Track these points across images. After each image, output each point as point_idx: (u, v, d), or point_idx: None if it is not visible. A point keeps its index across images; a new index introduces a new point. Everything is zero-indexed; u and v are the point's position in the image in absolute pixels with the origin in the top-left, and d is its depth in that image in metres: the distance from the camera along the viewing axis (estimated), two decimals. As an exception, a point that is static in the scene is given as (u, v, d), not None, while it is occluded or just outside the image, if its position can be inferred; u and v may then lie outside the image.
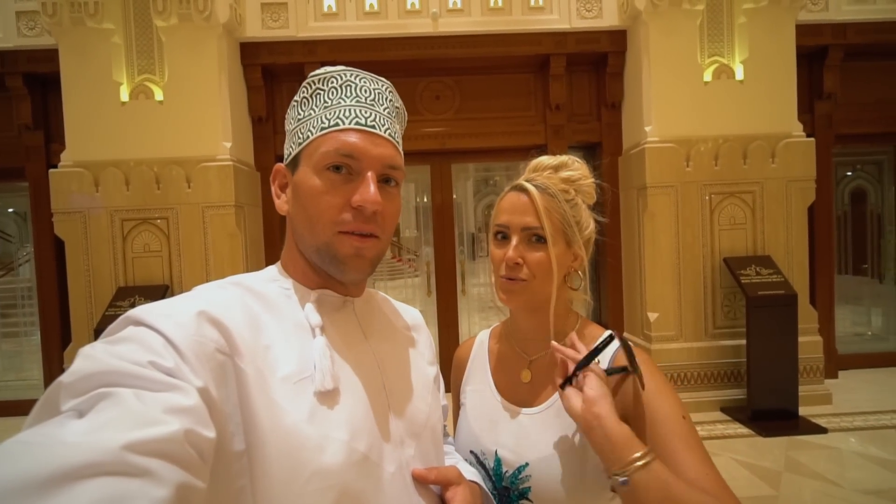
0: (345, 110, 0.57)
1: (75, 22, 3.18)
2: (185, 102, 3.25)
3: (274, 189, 0.62)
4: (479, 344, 0.89)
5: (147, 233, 3.25)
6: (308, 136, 0.57)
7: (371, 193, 0.54)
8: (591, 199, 0.80)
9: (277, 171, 0.62)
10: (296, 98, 0.62)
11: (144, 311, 0.46)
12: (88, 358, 0.39)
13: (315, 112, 0.58)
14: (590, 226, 0.77)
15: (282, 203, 0.61)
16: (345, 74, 0.60)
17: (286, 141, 0.62)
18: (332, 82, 0.59)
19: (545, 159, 0.80)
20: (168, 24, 3.22)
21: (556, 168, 0.79)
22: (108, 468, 0.31)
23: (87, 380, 0.37)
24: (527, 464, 0.71)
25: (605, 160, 3.77)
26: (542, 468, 0.70)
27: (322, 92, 0.59)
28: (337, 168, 0.55)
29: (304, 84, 0.61)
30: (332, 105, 0.58)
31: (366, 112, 0.58)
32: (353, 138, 0.56)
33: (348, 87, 0.59)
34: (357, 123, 0.57)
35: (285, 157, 0.62)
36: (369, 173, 0.56)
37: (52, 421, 0.35)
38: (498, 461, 0.74)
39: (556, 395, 0.73)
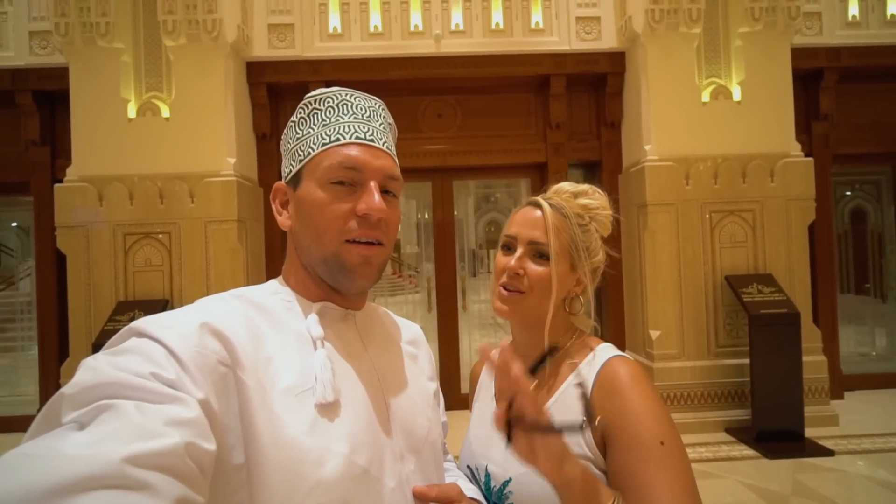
0: (344, 126, 0.59)
1: (87, 41, 3.25)
2: (191, 119, 3.30)
3: (275, 207, 0.64)
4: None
5: (149, 247, 3.26)
6: (309, 153, 0.59)
7: (376, 201, 0.56)
8: (606, 231, 0.80)
9: (277, 189, 0.64)
10: (293, 119, 0.63)
11: (147, 322, 0.46)
12: (90, 369, 0.39)
13: (314, 130, 0.60)
14: (599, 254, 0.78)
15: (284, 219, 0.62)
16: (340, 94, 0.62)
17: (284, 160, 0.64)
18: (329, 102, 0.61)
19: (566, 185, 0.82)
20: (177, 44, 3.29)
21: (576, 194, 0.80)
22: (108, 481, 0.31)
23: (88, 391, 0.37)
24: (510, 479, 0.71)
25: (604, 177, 3.81)
26: (523, 483, 0.70)
27: (319, 112, 0.61)
28: (340, 182, 0.57)
29: (300, 105, 0.63)
30: (330, 123, 0.60)
31: (364, 127, 0.60)
32: (354, 151, 0.58)
33: (345, 106, 0.61)
34: (357, 138, 0.59)
35: (284, 175, 0.63)
36: (372, 183, 0.58)
37: (54, 433, 0.35)
38: (487, 476, 0.75)
39: (545, 406, 0.72)
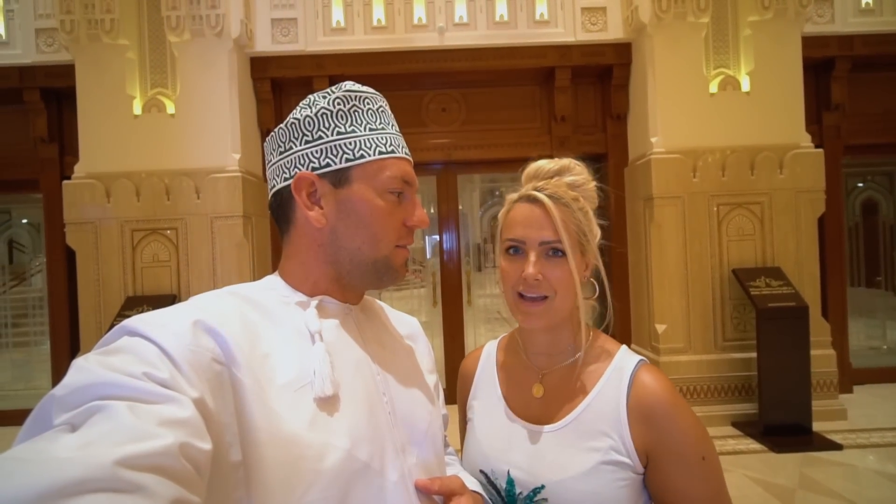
0: (392, 138, 0.63)
1: (92, 38, 3.26)
2: (196, 115, 3.31)
3: (302, 199, 0.58)
4: (487, 356, 0.86)
5: (156, 243, 3.29)
6: (363, 156, 0.59)
7: (425, 216, 0.65)
8: (595, 203, 0.77)
9: (303, 180, 0.58)
10: (328, 107, 0.59)
11: (139, 320, 0.45)
12: (81, 370, 0.39)
13: (360, 131, 0.60)
14: (598, 232, 0.75)
15: (318, 216, 0.58)
16: (377, 100, 0.64)
17: (312, 147, 0.59)
18: (369, 104, 0.62)
19: (545, 163, 0.77)
20: (181, 40, 3.30)
21: (559, 172, 0.76)
22: (101, 484, 0.30)
23: (79, 392, 0.37)
24: (543, 486, 0.68)
25: (606, 164, 3.76)
26: (560, 492, 0.67)
27: (360, 111, 0.61)
28: (396, 192, 0.62)
29: (338, 96, 0.59)
30: (378, 130, 0.61)
31: (402, 141, 0.65)
32: (408, 167, 0.64)
33: (383, 114, 0.64)
34: (406, 153, 0.64)
35: (314, 165, 0.58)
36: (417, 197, 0.65)
37: (45, 435, 0.35)
38: (510, 482, 0.71)
39: (575, 412, 0.71)
